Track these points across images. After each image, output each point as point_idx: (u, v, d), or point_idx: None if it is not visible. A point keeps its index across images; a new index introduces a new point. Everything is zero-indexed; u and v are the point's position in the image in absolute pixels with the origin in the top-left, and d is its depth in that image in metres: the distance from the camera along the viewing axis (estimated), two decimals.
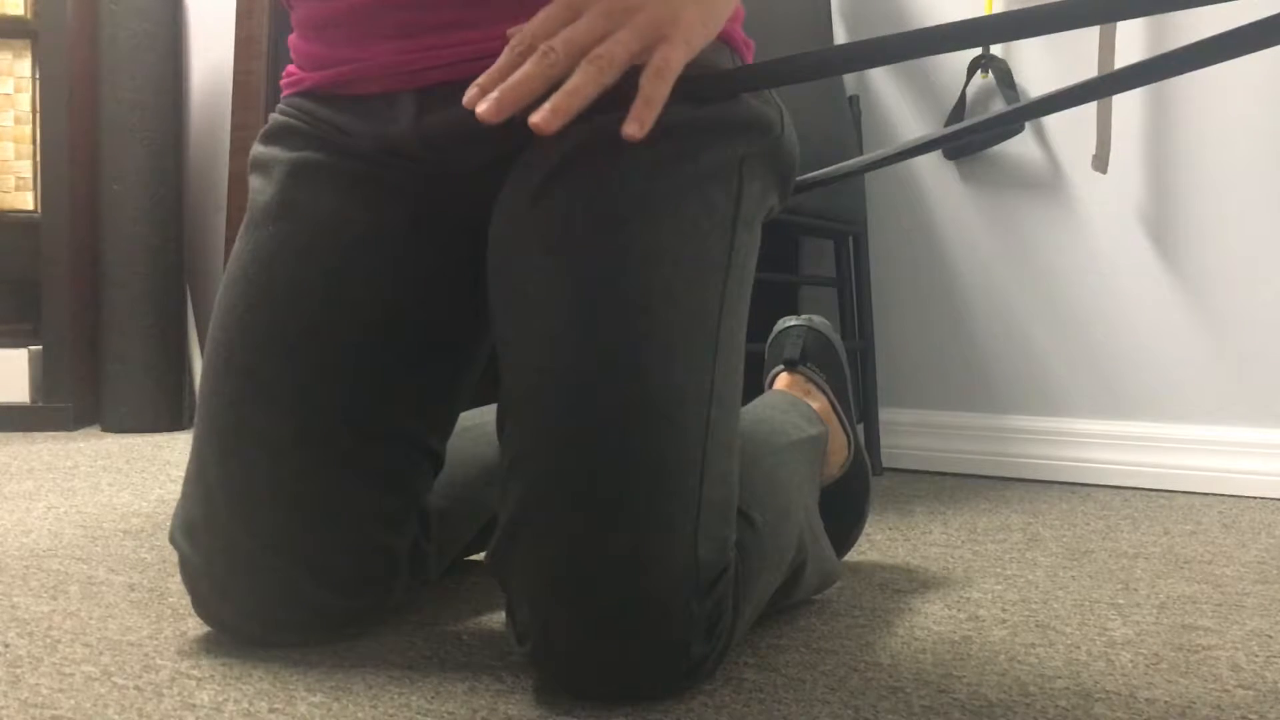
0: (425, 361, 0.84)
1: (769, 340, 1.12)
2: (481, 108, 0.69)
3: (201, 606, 0.82)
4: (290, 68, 0.88)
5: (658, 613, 0.67)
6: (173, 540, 0.82)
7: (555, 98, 0.69)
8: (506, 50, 0.72)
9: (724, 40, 0.82)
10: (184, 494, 0.82)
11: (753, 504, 0.77)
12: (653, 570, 0.67)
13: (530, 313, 0.72)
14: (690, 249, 0.73)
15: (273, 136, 0.87)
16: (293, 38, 0.87)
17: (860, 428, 1.75)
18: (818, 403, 1.03)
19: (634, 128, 0.70)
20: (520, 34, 0.72)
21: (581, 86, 0.69)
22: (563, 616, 0.68)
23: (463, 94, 0.74)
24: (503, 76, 0.71)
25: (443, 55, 0.78)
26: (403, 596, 0.86)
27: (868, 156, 0.98)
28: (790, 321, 1.11)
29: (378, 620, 0.86)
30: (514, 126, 0.75)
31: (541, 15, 0.72)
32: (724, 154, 0.77)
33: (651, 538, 0.67)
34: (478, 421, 0.99)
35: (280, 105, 0.88)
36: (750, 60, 0.86)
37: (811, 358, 1.06)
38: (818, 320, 1.10)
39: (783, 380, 1.07)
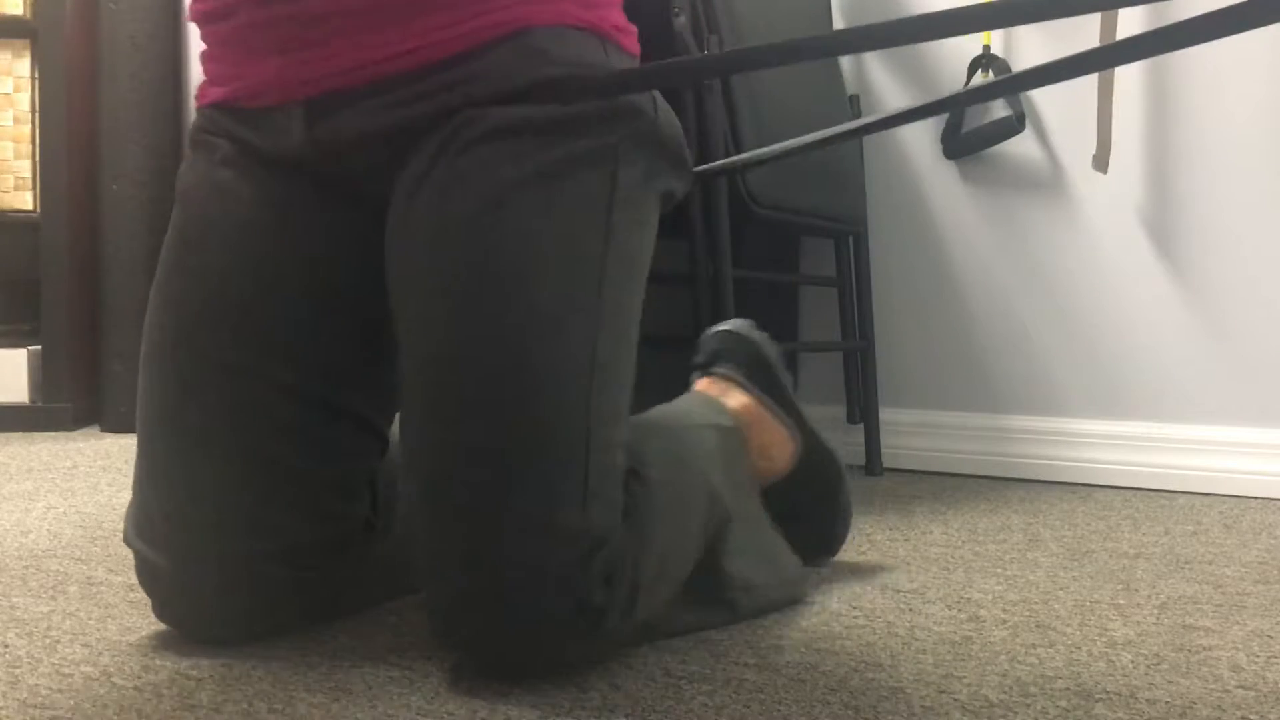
0: (361, 341, 0.86)
1: None
2: None
3: (163, 608, 0.83)
4: (202, 81, 0.91)
5: (553, 570, 0.71)
6: (128, 542, 0.84)
7: None
8: None
9: (591, 30, 0.83)
10: (135, 493, 0.84)
11: (644, 463, 0.80)
12: (543, 533, 0.71)
13: (416, 300, 0.77)
14: (563, 229, 0.77)
15: (194, 144, 0.90)
16: (202, 53, 0.90)
17: (860, 428, 1.75)
18: (735, 401, 1.03)
19: None
20: None
21: None
22: (464, 584, 0.72)
23: (349, 101, 0.80)
24: None
25: (324, 66, 0.80)
26: (353, 572, 0.87)
27: (819, 133, 0.98)
28: (710, 330, 1.12)
29: (333, 606, 0.87)
30: (400, 127, 0.80)
31: None
32: (595, 141, 0.80)
33: (540, 502, 0.71)
34: None
35: (195, 117, 0.92)
36: (630, 45, 0.88)
37: (725, 359, 1.07)
38: (737, 323, 1.11)
39: (700, 384, 1.08)
